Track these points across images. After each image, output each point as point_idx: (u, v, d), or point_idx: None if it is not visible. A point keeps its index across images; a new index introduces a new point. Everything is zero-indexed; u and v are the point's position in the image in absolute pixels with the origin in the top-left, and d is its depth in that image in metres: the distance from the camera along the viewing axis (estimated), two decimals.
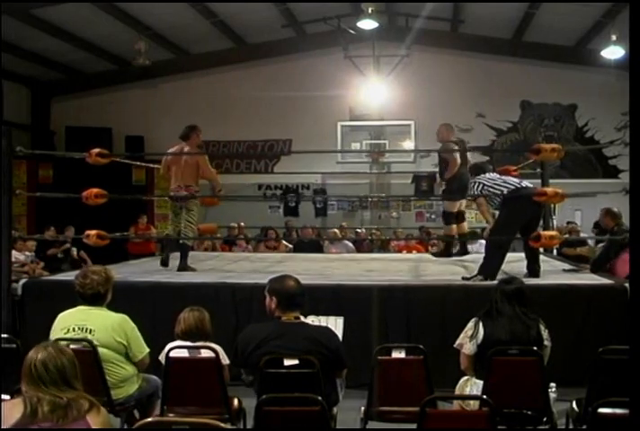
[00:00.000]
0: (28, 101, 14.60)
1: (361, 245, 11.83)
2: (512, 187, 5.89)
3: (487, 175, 6.15)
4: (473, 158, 13.27)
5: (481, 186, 6.02)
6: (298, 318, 3.62)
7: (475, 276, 5.75)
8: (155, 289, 5.72)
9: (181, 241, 6.84)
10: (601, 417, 2.77)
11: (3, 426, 2.32)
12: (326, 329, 3.76)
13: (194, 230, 6.89)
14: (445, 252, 8.25)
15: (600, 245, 7.16)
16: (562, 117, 14.35)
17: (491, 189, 5.97)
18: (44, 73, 14.11)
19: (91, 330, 3.74)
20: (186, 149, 6.98)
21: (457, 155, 7.32)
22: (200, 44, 14.04)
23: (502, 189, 5.92)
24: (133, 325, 3.83)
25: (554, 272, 6.55)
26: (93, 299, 3.83)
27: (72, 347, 3.73)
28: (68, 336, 3.76)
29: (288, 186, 14.59)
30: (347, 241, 11.36)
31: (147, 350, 3.87)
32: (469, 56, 14.08)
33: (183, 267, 6.66)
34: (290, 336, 3.50)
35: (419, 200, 14.44)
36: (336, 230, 11.65)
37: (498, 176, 6.19)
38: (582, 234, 11.19)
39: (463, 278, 5.83)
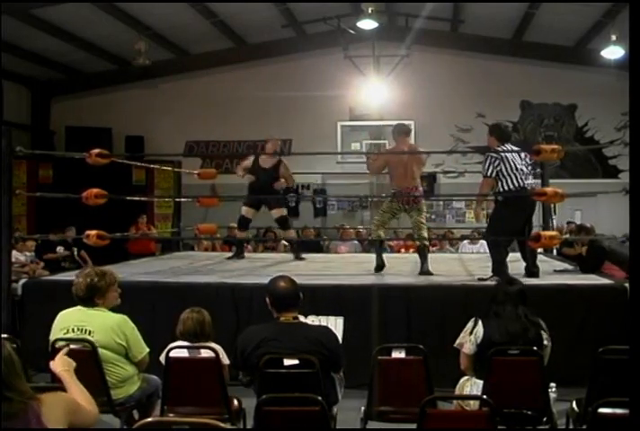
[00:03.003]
0: (28, 101, 14.58)
1: (362, 244, 11.88)
2: (516, 185, 5.77)
3: (509, 154, 5.82)
4: (472, 158, 13.42)
5: (498, 162, 5.75)
6: (297, 318, 3.63)
7: (492, 276, 5.71)
8: (155, 289, 5.73)
9: (420, 244, 6.54)
10: (601, 417, 2.77)
11: None
12: (325, 328, 3.77)
13: (427, 230, 6.71)
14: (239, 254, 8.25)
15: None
16: (562, 117, 14.34)
17: (502, 171, 5.75)
18: (44, 73, 14.10)
19: (90, 332, 3.74)
20: (405, 148, 6.62)
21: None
22: (200, 44, 14.04)
23: (508, 180, 5.75)
24: (132, 325, 3.83)
25: (551, 272, 6.56)
26: (85, 300, 3.82)
27: (72, 346, 3.74)
28: (67, 337, 3.77)
29: (288, 186, 14.54)
30: (356, 241, 11.51)
31: (147, 350, 3.86)
32: (469, 56, 14.07)
33: (427, 270, 6.32)
34: (289, 336, 3.50)
35: None
36: (351, 229, 11.77)
37: (517, 160, 5.85)
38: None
39: (479, 279, 5.81)
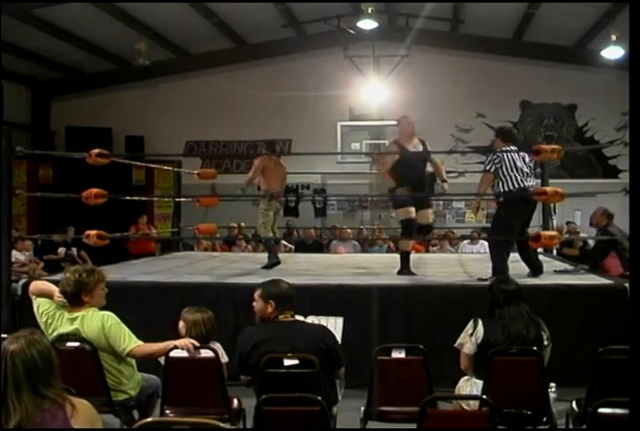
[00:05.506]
0: (28, 101, 14.58)
1: (362, 244, 11.89)
2: (517, 186, 5.78)
3: (512, 154, 5.86)
4: (472, 158, 13.42)
5: (499, 160, 5.82)
6: (293, 316, 3.66)
7: (491, 277, 5.69)
8: (155, 289, 5.72)
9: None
10: (601, 417, 2.77)
11: None
12: (322, 326, 3.82)
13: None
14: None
15: None
16: (562, 117, 14.34)
17: (502, 170, 5.81)
18: (44, 73, 14.10)
19: (84, 338, 3.70)
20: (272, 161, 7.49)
21: None
22: (200, 44, 14.03)
23: (508, 180, 5.78)
24: (115, 322, 3.70)
25: (551, 272, 6.56)
26: (72, 297, 3.75)
27: (69, 344, 3.72)
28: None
29: (288, 186, 14.52)
30: (355, 241, 11.51)
31: (133, 345, 3.67)
32: (469, 56, 14.06)
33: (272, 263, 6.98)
34: (288, 334, 3.54)
35: None
36: (349, 230, 11.80)
37: (518, 160, 5.87)
38: (581, 234, 11.22)
39: (479, 280, 5.80)
